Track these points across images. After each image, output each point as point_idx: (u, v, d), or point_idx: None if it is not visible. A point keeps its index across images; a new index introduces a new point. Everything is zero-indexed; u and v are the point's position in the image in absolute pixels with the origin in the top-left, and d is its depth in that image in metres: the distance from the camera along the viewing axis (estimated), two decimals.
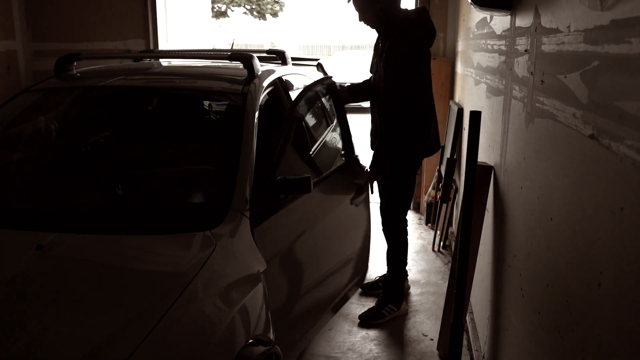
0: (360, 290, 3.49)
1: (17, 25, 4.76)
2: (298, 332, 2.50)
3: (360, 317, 3.25)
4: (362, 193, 3.14)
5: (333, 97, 3.24)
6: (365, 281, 3.49)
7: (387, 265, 3.34)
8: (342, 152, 3.17)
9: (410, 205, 3.33)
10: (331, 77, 3.24)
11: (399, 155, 3.10)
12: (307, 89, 2.87)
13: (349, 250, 3.07)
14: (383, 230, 3.33)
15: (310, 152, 2.92)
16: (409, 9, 3.14)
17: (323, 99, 3.30)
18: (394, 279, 3.30)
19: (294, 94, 3.02)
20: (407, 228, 3.32)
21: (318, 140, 3.07)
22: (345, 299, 3.04)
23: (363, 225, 3.28)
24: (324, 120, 3.29)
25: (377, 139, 3.14)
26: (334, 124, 3.29)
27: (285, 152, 2.40)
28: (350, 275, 3.08)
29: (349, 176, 3.09)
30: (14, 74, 4.75)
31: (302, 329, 2.54)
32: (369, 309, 3.29)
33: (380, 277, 3.61)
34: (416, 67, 3.01)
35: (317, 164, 2.93)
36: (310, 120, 3.04)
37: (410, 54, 2.98)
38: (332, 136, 3.26)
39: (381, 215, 3.30)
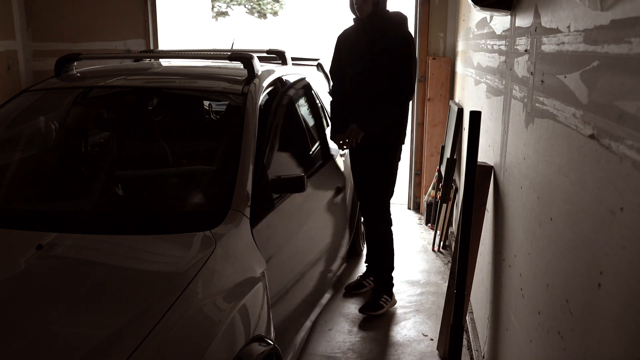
0: (344, 291, 3.61)
1: (17, 25, 4.77)
2: (297, 324, 2.55)
3: (360, 310, 3.35)
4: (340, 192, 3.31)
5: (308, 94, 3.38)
6: (348, 282, 3.67)
7: (377, 257, 3.46)
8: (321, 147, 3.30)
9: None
10: (304, 77, 3.35)
11: (393, 144, 3.25)
12: (288, 88, 2.98)
13: (336, 236, 3.25)
14: (367, 224, 3.46)
15: (298, 150, 3.02)
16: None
17: (306, 97, 3.38)
18: (384, 269, 3.41)
19: (293, 94, 3.03)
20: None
21: (303, 137, 3.15)
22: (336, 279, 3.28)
23: (344, 209, 3.46)
24: (308, 117, 3.34)
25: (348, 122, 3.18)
26: (315, 121, 3.39)
27: (274, 151, 2.46)
28: (341, 257, 3.35)
29: (330, 167, 3.27)
30: (14, 74, 4.75)
31: (299, 321, 2.59)
32: (367, 302, 3.39)
33: (360, 276, 3.69)
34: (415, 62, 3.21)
35: (304, 160, 3.02)
36: (297, 118, 3.11)
37: (414, 49, 3.21)
38: (315, 132, 3.35)
39: (367, 209, 3.39)
